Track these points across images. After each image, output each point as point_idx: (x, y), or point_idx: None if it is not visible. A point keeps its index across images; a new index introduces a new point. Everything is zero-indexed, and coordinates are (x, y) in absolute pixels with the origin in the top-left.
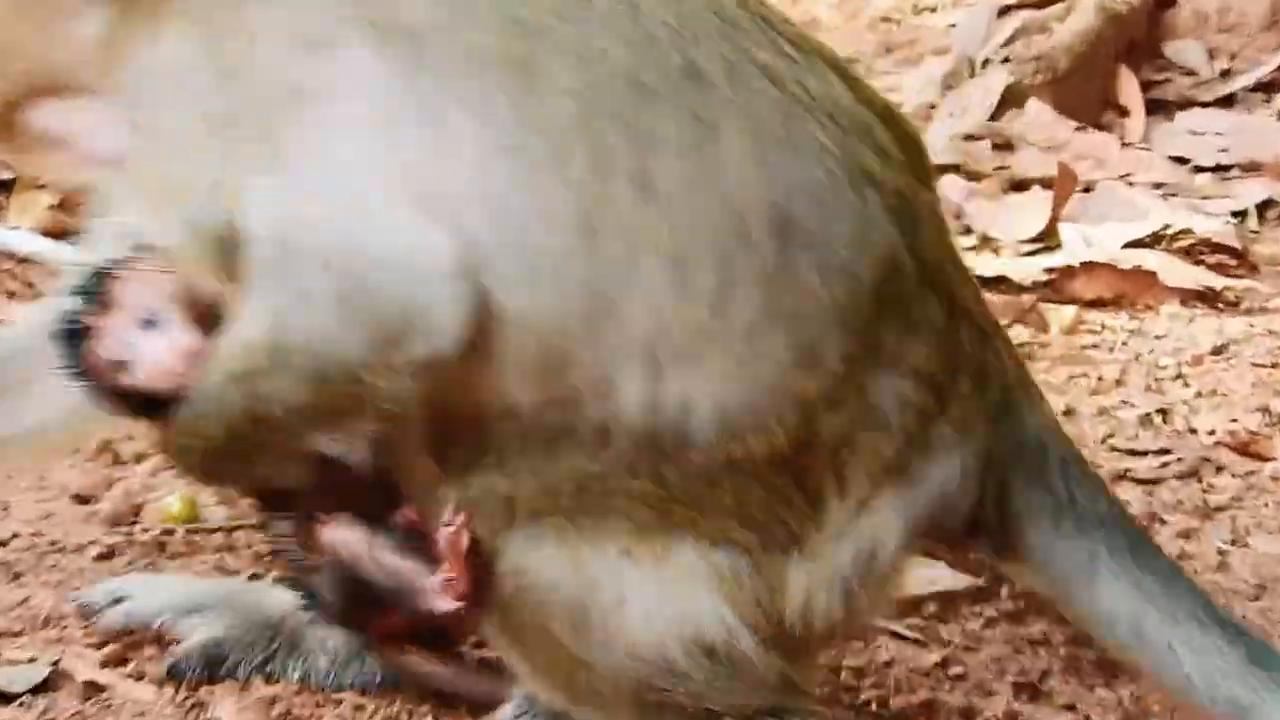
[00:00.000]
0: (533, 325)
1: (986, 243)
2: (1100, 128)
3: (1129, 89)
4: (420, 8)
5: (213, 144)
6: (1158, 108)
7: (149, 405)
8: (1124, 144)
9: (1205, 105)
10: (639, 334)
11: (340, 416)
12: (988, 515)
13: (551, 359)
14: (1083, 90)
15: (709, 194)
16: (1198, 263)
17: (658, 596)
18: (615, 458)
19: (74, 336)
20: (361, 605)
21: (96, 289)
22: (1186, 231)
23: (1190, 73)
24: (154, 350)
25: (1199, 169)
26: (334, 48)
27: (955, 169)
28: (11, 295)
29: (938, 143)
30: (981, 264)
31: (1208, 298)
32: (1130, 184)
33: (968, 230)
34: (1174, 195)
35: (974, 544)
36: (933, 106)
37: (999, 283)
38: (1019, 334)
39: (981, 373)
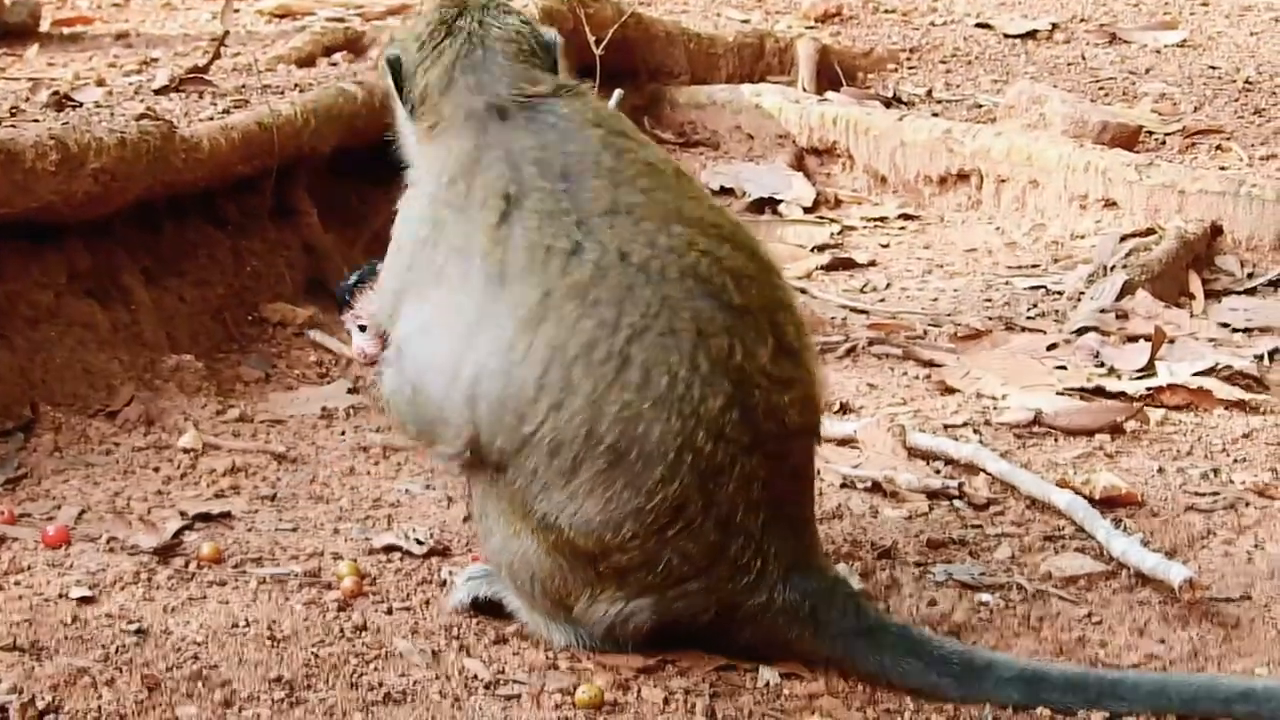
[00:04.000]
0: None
1: (1112, 372)
2: (1179, 306)
3: (1195, 284)
4: (513, 261)
5: (405, 266)
6: (1211, 295)
7: None
8: (1192, 316)
9: (1238, 294)
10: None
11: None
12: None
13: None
14: (1168, 285)
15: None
16: (1234, 385)
17: (512, 545)
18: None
19: (342, 301)
20: None
21: (358, 282)
22: (1228, 367)
23: (1230, 274)
24: (358, 343)
25: (1235, 330)
26: (461, 259)
27: (1096, 329)
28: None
29: (1085, 315)
30: (1111, 384)
31: (1240, 406)
32: (1195, 339)
33: (1102, 365)
34: (1221, 346)
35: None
36: (1081, 294)
37: (1120, 395)
38: (1132, 425)
39: (761, 560)
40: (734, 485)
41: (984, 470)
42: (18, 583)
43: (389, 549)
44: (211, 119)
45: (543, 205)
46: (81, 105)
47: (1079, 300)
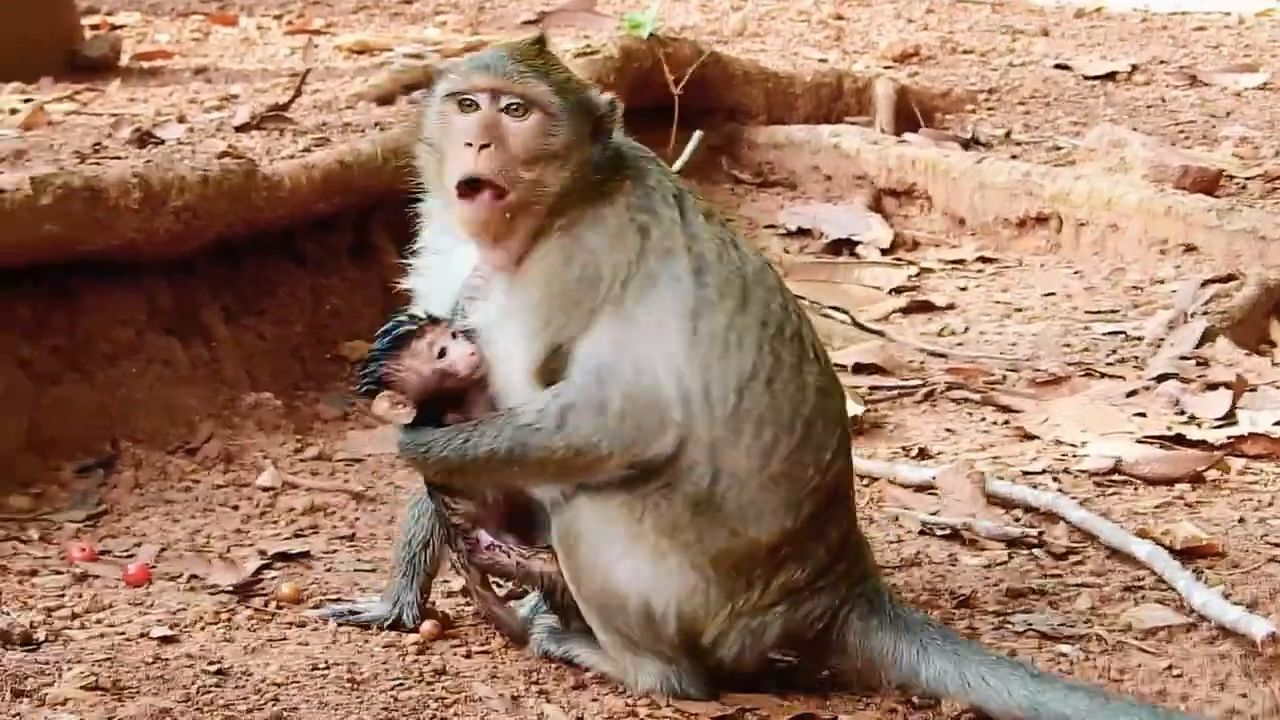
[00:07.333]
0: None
1: (1193, 419)
2: (1259, 354)
3: (1276, 331)
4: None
5: (604, 283)
6: None
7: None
8: (1273, 364)
9: None
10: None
11: (560, 474)
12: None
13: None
14: (1249, 332)
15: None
16: None
17: (646, 571)
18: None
19: (374, 384)
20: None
21: (391, 348)
22: None
23: None
24: (462, 349)
25: None
26: (668, 259)
27: (1176, 376)
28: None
29: (1165, 361)
30: (1191, 432)
31: None
32: (1276, 387)
33: (1183, 412)
34: None
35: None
36: (1161, 340)
37: (1200, 444)
38: (1213, 475)
39: (854, 559)
40: (846, 479)
41: (1064, 519)
42: (99, 621)
43: (468, 591)
44: (292, 157)
45: (695, 207)
46: (163, 142)
47: (1159, 346)
